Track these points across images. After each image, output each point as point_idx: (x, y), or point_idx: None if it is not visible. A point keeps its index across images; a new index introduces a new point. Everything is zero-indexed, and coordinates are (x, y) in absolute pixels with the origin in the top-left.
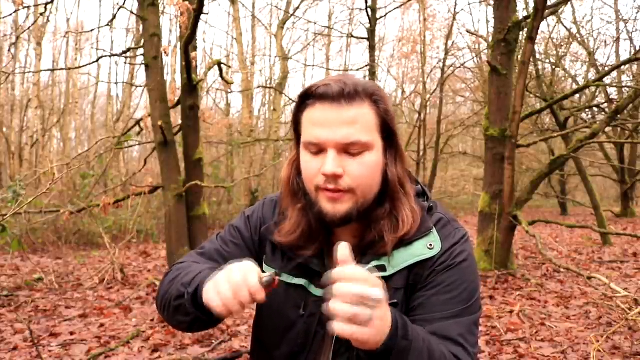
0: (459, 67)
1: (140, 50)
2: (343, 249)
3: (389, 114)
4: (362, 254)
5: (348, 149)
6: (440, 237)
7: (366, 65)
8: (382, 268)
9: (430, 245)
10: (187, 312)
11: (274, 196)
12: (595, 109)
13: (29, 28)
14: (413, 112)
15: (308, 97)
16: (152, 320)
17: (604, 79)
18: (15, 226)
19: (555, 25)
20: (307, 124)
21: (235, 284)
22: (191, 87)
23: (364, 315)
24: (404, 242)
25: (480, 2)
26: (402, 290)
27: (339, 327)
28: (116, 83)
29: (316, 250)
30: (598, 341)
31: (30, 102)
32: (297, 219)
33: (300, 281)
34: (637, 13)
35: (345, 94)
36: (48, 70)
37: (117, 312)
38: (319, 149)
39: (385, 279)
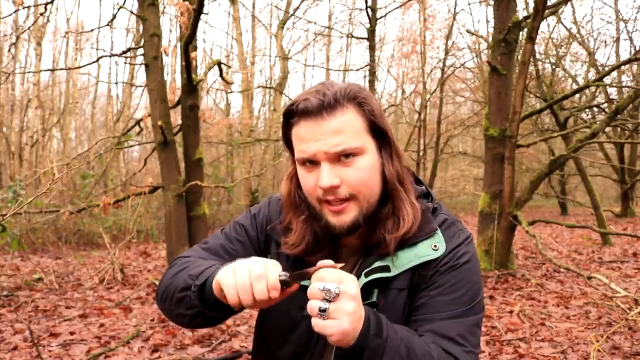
0: (459, 67)
1: (140, 50)
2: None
3: (375, 114)
4: (367, 255)
5: (340, 158)
6: (444, 238)
7: (366, 65)
8: (386, 269)
9: (435, 246)
10: (191, 304)
11: (279, 195)
12: (595, 109)
13: (29, 28)
14: (413, 112)
15: (291, 115)
16: (152, 320)
17: (604, 79)
18: (15, 226)
19: (555, 25)
20: (296, 142)
21: (255, 274)
22: (191, 87)
23: (322, 307)
24: (409, 242)
25: (480, 2)
26: (405, 290)
27: (313, 322)
28: (116, 83)
29: (323, 256)
30: (598, 341)
31: (30, 102)
32: (302, 230)
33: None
34: (637, 13)
35: (325, 105)
36: (48, 70)
37: (117, 312)
38: (312, 164)
39: (390, 280)
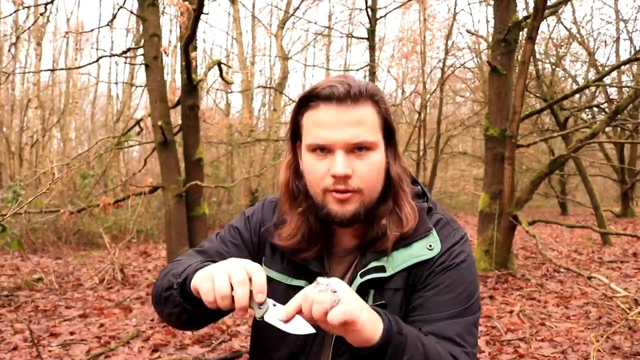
0: (459, 67)
1: (140, 50)
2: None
3: (389, 114)
4: (363, 253)
5: (355, 150)
6: (439, 237)
7: (366, 65)
8: (381, 269)
9: (430, 246)
10: (175, 303)
11: (273, 197)
12: (595, 109)
13: (29, 28)
14: (413, 112)
15: (311, 99)
16: (152, 320)
17: (604, 79)
18: (15, 226)
19: (555, 25)
20: (311, 126)
21: (237, 280)
22: (191, 87)
23: (334, 297)
24: (404, 242)
25: (480, 2)
26: (401, 291)
27: (331, 315)
28: (116, 83)
29: (316, 252)
30: (598, 341)
31: (30, 102)
32: (297, 222)
33: (300, 282)
34: (637, 13)
35: (352, 95)
36: (48, 70)
37: (117, 312)
38: (324, 151)
39: (385, 280)
